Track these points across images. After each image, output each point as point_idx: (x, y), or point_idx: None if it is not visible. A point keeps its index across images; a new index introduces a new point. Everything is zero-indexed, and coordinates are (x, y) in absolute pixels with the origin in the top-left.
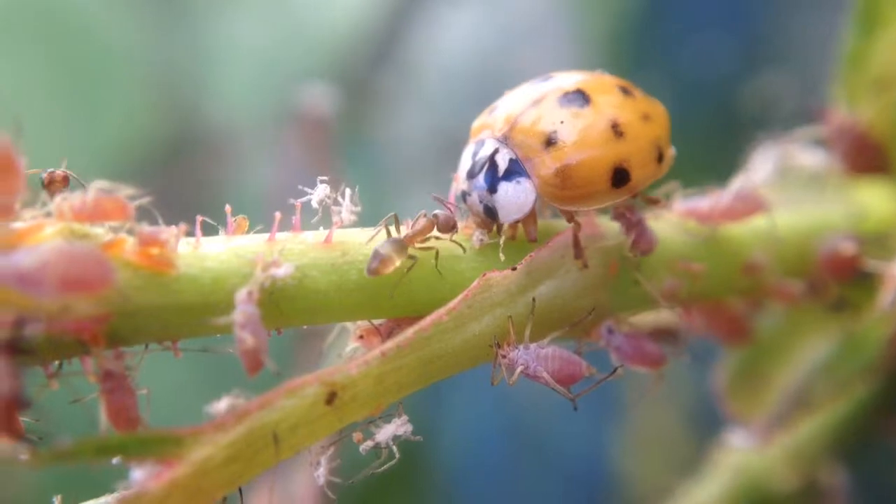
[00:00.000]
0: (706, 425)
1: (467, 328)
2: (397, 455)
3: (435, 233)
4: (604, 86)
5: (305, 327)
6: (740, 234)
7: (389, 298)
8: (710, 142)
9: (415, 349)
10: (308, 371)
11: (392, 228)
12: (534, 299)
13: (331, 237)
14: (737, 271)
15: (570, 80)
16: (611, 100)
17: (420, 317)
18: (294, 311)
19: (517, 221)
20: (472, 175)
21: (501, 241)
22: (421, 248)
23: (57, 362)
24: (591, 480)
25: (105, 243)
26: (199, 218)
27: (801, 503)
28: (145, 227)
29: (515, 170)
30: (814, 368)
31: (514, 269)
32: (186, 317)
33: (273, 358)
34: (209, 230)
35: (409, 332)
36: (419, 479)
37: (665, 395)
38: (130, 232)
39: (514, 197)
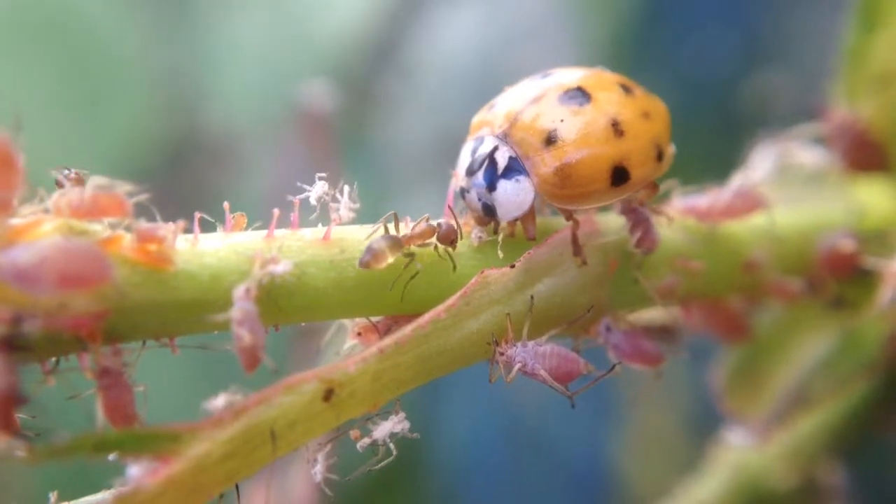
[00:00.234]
0: (705, 423)
1: (465, 325)
2: (395, 452)
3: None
4: (604, 83)
5: (303, 324)
6: (740, 231)
7: (391, 293)
8: (710, 139)
9: (413, 346)
10: (306, 368)
11: (391, 227)
12: (532, 297)
13: (329, 234)
14: (736, 269)
15: (571, 76)
16: (611, 98)
17: (418, 314)
18: (292, 308)
19: (516, 219)
20: (471, 172)
21: (500, 239)
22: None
23: (54, 359)
24: (589, 478)
25: (103, 240)
26: (198, 215)
27: (801, 501)
28: (143, 224)
29: (515, 168)
30: (813, 366)
31: (512, 266)
32: (184, 313)
33: (271, 355)
34: (208, 228)
35: (408, 329)
36: (416, 477)
37: (664, 394)
38: (128, 229)
39: (514, 195)
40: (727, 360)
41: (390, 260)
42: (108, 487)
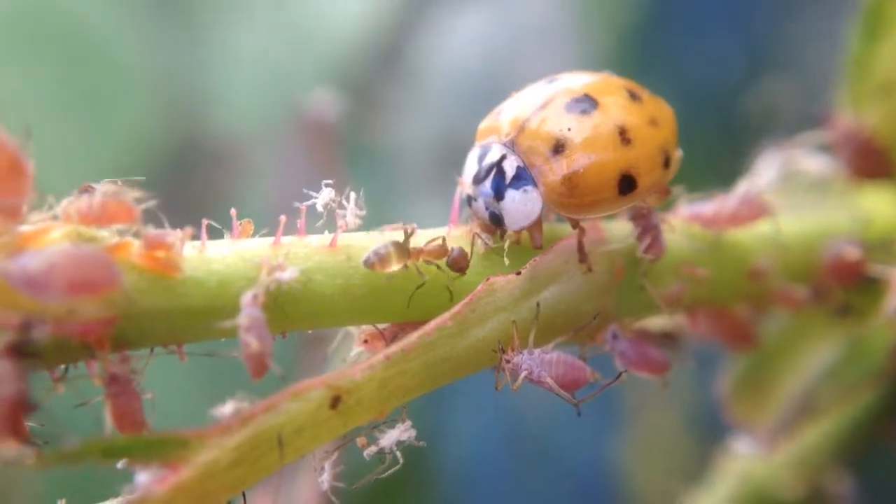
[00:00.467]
0: (711, 432)
1: (471, 333)
2: (401, 460)
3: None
4: (611, 89)
5: (310, 331)
6: (745, 239)
7: (397, 300)
8: (715, 146)
9: (419, 353)
10: (313, 375)
11: (399, 236)
12: (538, 304)
13: (335, 241)
14: (741, 276)
15: (578, 82)
16: (618, 105)
17: (424, 321)
18: (299, 315)
19: (523, 228)
20: (477, 180)
21: (506, 246)
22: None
23: (63, 366)
24: (594, 487)
25: (111, 246)
26: (205, 222)
27: None
28: (151, 231)
29: (523, 177)
30: (819, 374)
31: (518, 273)
32: (192, 320)
33: (278, 362)
34: (215, 235)
35: (414, 336)
36: (423, 484)
37: (669, 401)
38: (136, 235)
39: (521, 205)
40: (733, 367)
41: (395, 267)
42: (117, 495)
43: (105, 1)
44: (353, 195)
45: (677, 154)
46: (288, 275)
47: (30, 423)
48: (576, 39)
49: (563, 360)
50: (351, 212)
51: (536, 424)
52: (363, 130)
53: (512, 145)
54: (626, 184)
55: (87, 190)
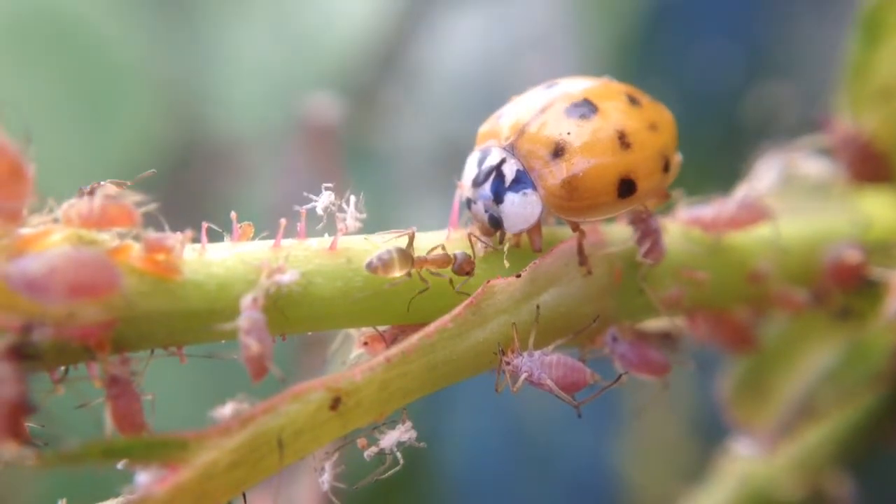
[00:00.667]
0: (711, 434)
1: (472, 335)
2: (401, 461)
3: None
4: (611, 93)
5: (310, 334)
6: (745, 242)
7: (398, 303)
8: (715, 150)
9: (419, 355)
10: (313, 377)
11: (405, 242)
12: (538, 306)
13: (335, 244)
14: (741, 280)
15: (577, 87)
16: (618, 109)
17: (425, 323)
18: (299, 318)
19: (522, 231)
20: (477, 183)
21: (505, 249)
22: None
23: (63, 367)
24: (595, 489)
25: (111, 249)
26: (205, 224)
27: None
28: (151, 234)
29: (522, 180)
30: (819, 377)
31: (518, 276)
32: (192, 322)
33: (278, 364)
34: (215, 238)
35: (414, 338)
36: (423, 486)
37: (670, 404)
38: (137, 238)
39: (521, 208)
40: (733, 370)
41: (397, 273)
42: (117, 495)
43: (107, 3)
44: (352, 198)
45: (677, 158)
46: (288, 277)
47: (30, 425)
48: (575, 44)
49: (562, 363)
50: (351, 215)
51: (536, 426)
52: (363, 133)
53: (512, 149)
54: (626, 187)
55: (94, 190)
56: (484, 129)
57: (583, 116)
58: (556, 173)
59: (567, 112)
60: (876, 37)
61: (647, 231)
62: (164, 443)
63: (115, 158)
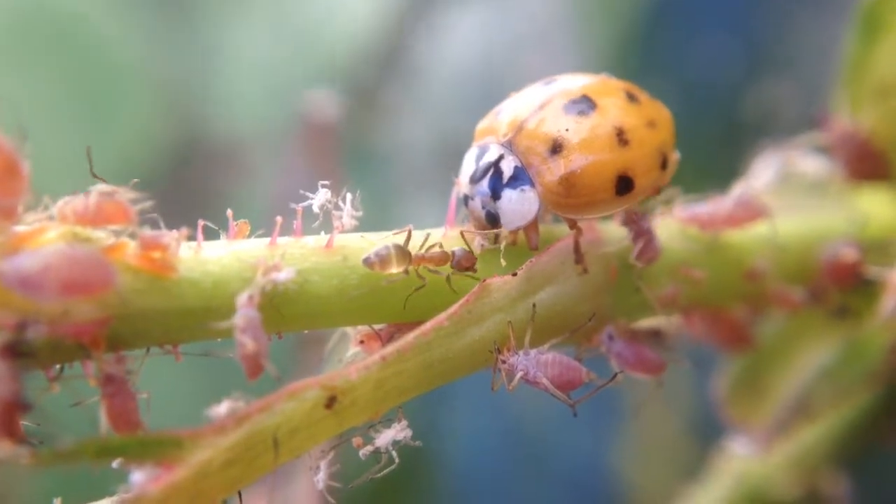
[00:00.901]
0: (707, 432)
1: (468, 333)
2: (397, 460)
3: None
4: (609, 91)
5: (306, 332)
6: (741, 240)
7: (394, 301)
8: (712, 148)
9: (415, 354)
10: (308, 375)
11: (402, 239)
12: (534, 305)
13: (332, 242)
14: (738, 278)
15: (576, 84)
16: (616, 106)
17: (421, 321)
18: (295, 316)
19: (519, 228)
20: (474, 180)
21: (502, 247)
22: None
23: (58, 366)
24: (592, 488)
25: (107, 247)
26: (201, 222)
27: None
28: (147, 231)
29: (520, 177)
30: (815, 375)
31: (514, 274)
32: (187, 320)
33: (273, 362)
34: (211, 236)
35: (410, 336)
36: (419, 484)
37: (666, 403)
38: (132, 236)
39: (518, 205)
40: (729, 369)
41: (394, 270)
42: (112, 494)
43: (107, 2)
44: (349, 196)
45: (675, 156)
46: (284, 275)
47: (25, 423)
48: (574, 41)
49: (558, 361)
50: (347, 213)
51: (533, 425)
52: (362, 131)
53: (510, 145)
54: (624, 185)
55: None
56: (482, 125)
57: (581, 113)
58: (554, 170)
59: (565, 109)
60: (874, 34)
61: (639, 232)
62: (160, 441)
63: (115, 157)
